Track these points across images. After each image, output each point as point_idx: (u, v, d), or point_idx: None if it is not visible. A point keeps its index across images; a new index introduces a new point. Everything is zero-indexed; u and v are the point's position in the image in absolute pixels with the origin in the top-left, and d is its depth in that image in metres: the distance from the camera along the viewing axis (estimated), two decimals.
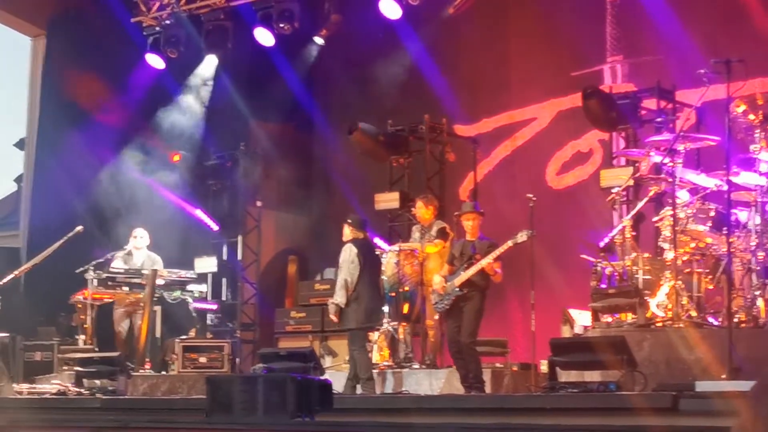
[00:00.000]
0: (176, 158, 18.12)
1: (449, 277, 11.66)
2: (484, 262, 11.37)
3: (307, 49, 18.17)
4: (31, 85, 18.77)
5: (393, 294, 13.66)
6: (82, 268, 14.97)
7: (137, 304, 15.08)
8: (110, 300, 15.17)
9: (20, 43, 19.62)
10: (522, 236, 11.35)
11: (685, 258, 11.19)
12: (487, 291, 11.61)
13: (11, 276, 14.86)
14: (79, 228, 15.01)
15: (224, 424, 8.48)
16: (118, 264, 15.32)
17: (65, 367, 14.29)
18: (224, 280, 18.05)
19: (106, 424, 9.24)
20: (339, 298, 12.47)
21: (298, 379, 8.26)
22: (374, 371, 12.57)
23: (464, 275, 11.48)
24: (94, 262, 14.98)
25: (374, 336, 13.44)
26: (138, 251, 15.51)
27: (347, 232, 12.73)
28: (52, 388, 12.74)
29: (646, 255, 11.72)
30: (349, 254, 12.51)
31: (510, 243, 11.39)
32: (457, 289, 11.50)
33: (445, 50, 17.12)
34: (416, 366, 13.26)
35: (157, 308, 15.37)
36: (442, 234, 13.40)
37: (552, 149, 16.39)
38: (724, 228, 10.67)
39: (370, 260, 12.67)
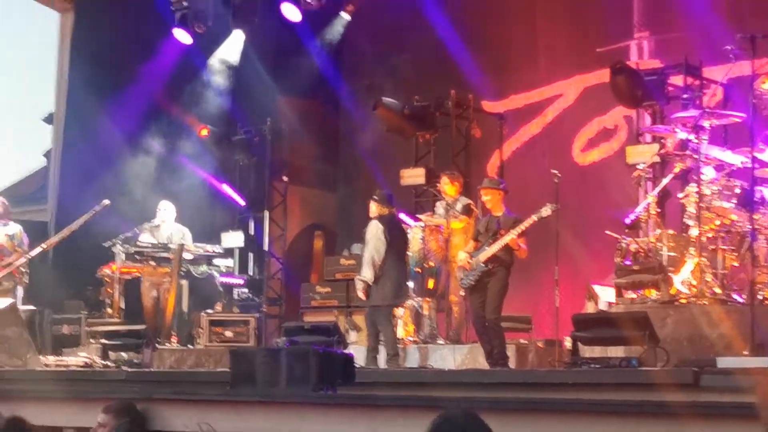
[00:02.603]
0: (204, 132, 18.18)
1: (474, 253, 11.65)
2: (509, 237, 11.37)
3: (333, 24, 18.20)
4: (59, 60, 18.82)
5: (418, 270, 13.69)
6: (109, 242, 15.07)
7: (164, 277, 15.17)
8: (138, 274, 15.26)
9: (48, 18, 19.67)
10: (546, 210, 11.34)
11: (709, 235, 11.17)
12: (511, 266, 11.60)
13: (39, 249, 14.93)
14: (106, 201, 15.03)
15: (248, 396, 8.53)
16: (145, 237, 15.41)
17: (92, 340, 14.39)
18: (251, 255, 18.13)
19: (131, 395, 9.30)
20: (366, 274, 12.45)
21: (321, 351, 8.30)
22: (399, 347, 12.61)
23: (489, 250, 11.48)
24: (121, 236, 15.09)
25: (399, 311, 13.48)
26: (165, 224, 15.61)
27: (373, 208, 12.71)
28: (78, 361, 12.84)
29: (671, 231, 11.70)
30: (375, 230, 12.50)
31: (534, 218, 11.37)
32: (483, 264, 11.49)
33: (472, 26, 17.07)
34: (441, 341, 13.31)
35: (184, 282, 15.48)
36: (466, 210, 13.40)
37: (578, 125, 16.37)
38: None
39: (396, 236, 12.65)
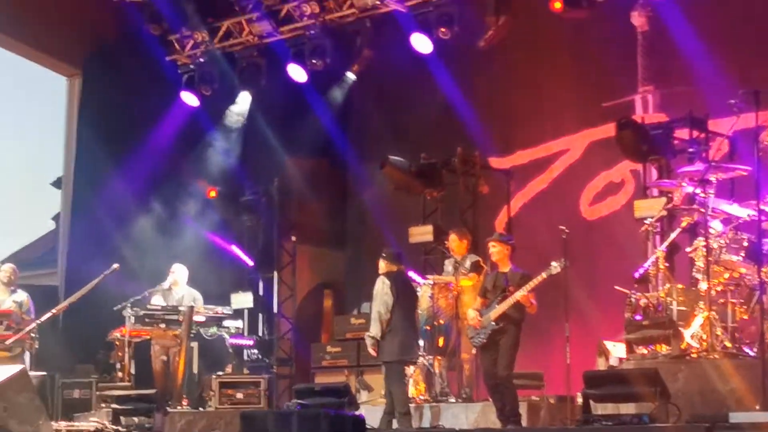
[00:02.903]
0: (212, 194, 18.24)
1: (483, 310, 11.62)
2: (519, 295, 11.34)
3: (339, 85, 18.29)
4: (68, 124, 18.94)
5: (428, 327, 13.66)
6: (119, 306, 15.06)
7: (174, 340, 15.14)
8: (148, 337, 15.24)
9: (56, 83, 19.83)
10: (555, 268, 11.31)
11: (719, 288, 11.17)
12: (522, 323, 11.58)
13: (49, 314, 14.97)
14: (116, 266, 15.09)
15: None
16: (157, 300, 15.42)
17: (103, 405, 14.35)
18: (260, 316, 18.09)
19: None
20: (374, 330, 12.48)
21: (332, 414, 8.30)
22: (411, 405, 12.57)
23: (499, 309, 11.45)
24: (131, 299, 15.07)
25: (410, 370, 13.44)
26: (177, 287, 15.61)
27: (382, 265, 12.74)
28: (90, 426, 12.82)
29: (680, 286, 11.69)
30: (381, 287, 12.54)
31: (543, 275, 11.35)
32: (494, 323, 11.47)
33: (477, 83, 17.14)
34: (452, 400, 13.26)
35: (194, 344, 15.47)
36: (476, 267, 13.39)
37: (584, 180, 16.37)
38: None
39: (404, 293, 12.66)
